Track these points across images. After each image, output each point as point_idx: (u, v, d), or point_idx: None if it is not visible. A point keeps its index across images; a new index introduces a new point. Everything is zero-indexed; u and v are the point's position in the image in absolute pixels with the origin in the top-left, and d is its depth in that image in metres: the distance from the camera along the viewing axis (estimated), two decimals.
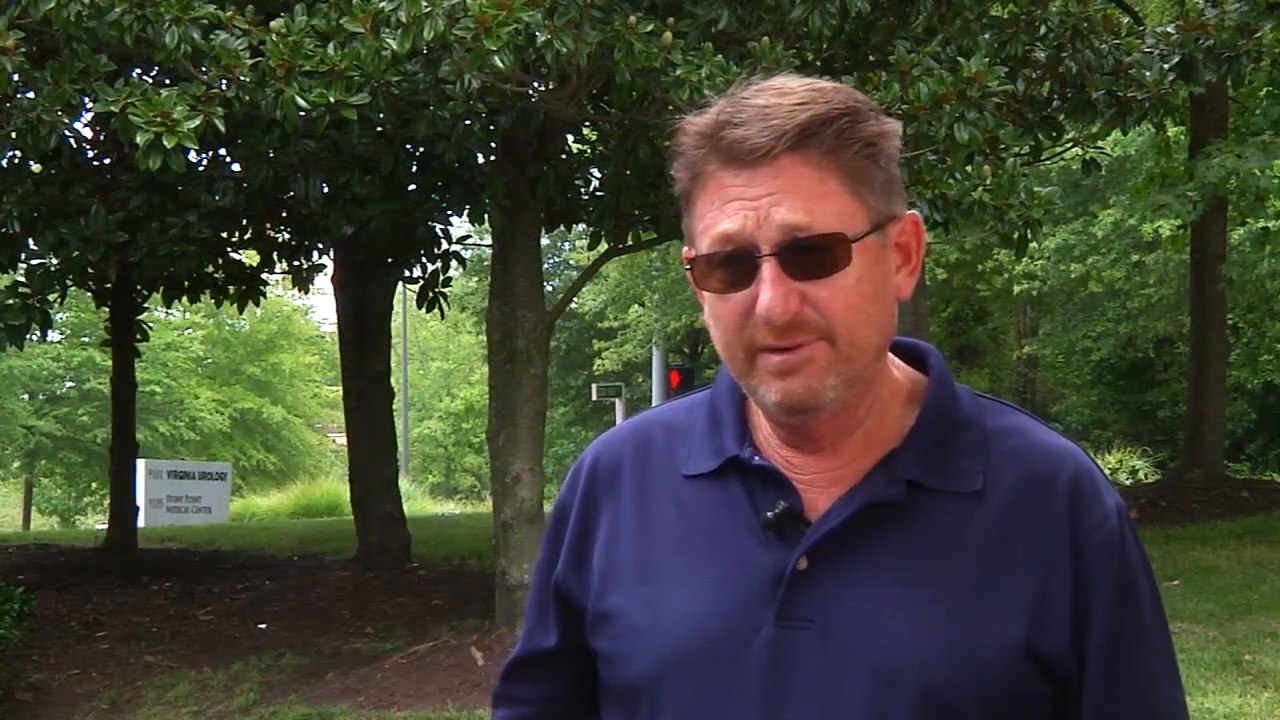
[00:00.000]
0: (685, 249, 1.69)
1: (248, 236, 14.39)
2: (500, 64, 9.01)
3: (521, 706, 1.81)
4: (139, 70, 10.73)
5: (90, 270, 13.40)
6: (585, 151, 12.74)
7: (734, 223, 1.58)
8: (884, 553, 1.64)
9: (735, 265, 1.59)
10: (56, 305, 13.44)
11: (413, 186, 12.93)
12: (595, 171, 12.72)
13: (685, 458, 1.74)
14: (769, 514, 1.66)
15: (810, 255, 1.58)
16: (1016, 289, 29.84)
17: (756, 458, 1.69)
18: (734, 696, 1.63)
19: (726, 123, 1.59)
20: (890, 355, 1.71)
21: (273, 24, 9.50)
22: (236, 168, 12.70)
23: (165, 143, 9.39)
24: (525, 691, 1.80)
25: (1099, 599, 1.63)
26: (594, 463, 1.80)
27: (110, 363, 17.34)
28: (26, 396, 39.11)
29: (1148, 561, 1.69)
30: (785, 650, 1.62)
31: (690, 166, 1.63)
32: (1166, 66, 11.83)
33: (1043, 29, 11.35)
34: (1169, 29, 12.39)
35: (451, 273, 15.05)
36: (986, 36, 10.87)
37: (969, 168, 10.42)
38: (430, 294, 14.80)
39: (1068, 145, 13.82)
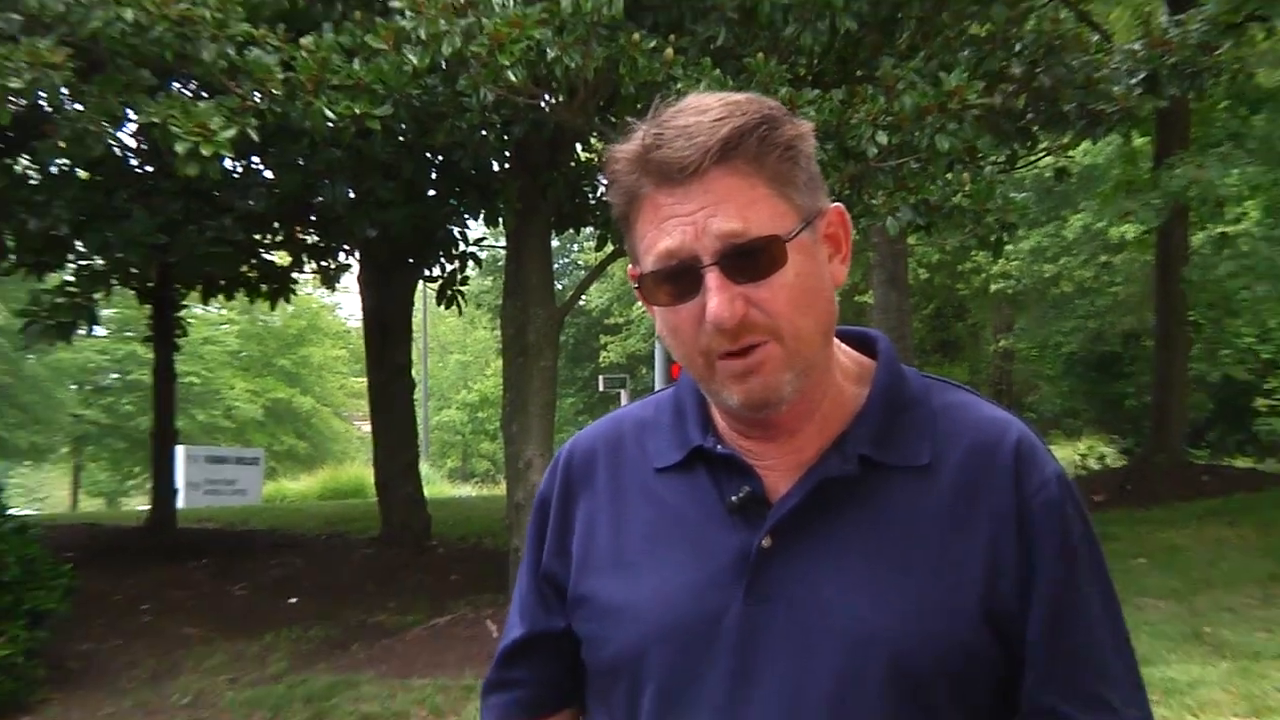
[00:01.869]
0: (630, 268, 1.68)
1: (279, 238, 14.42)
2: (513, 78, 9.02)
3: (517, 690, 1.80)
4: (178, 84, 10.74)
5: (133, 270, 13.42)
6: (592, 159, 12.74)
7: (674, 239, 1.58)
8: (843, 528, 1.64)
9: (681, 278, 1.59)
10: (102, 303, 13.46)
11: (432, 192, 12.95)
12: (601, 178, 12.72)
13: (655, 452, 1.74)
14: (734, 498, 1.66)
15: (749, 259, 1.58)
16: (993, 287, 29.86)
17: (720, 446, 1.69)
18: (708, 670, 1.63)
19: (653, 145, 1.59)
20: (840, 343, 1.72)
21: (303, 41, 9.51)
22: (268, 174, 12.71)
23: (203, 151, 9.41)
24: (521, 675, 1.79)
25: (1043, 560, 1.63)
26: (569, 457, 1.80)
27: (152, 356, 17.34)
28: (75, 387, 39.15)
29: (1090, 524, 1.69)
30: (755, 625, 1.62)
31: (625, 191, 1.63)
32: (1133, 81, 11.83)
33: (1018, 46, 11.36)
34: (1136, 46, 12.38)
35: (468, 272, 15.07)
36: (966, 53, 10.87)
37: (949, 175, 10.43)
38: (449, 292, 14.82)
39: (1041, 154, 13.86)
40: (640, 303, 1.70)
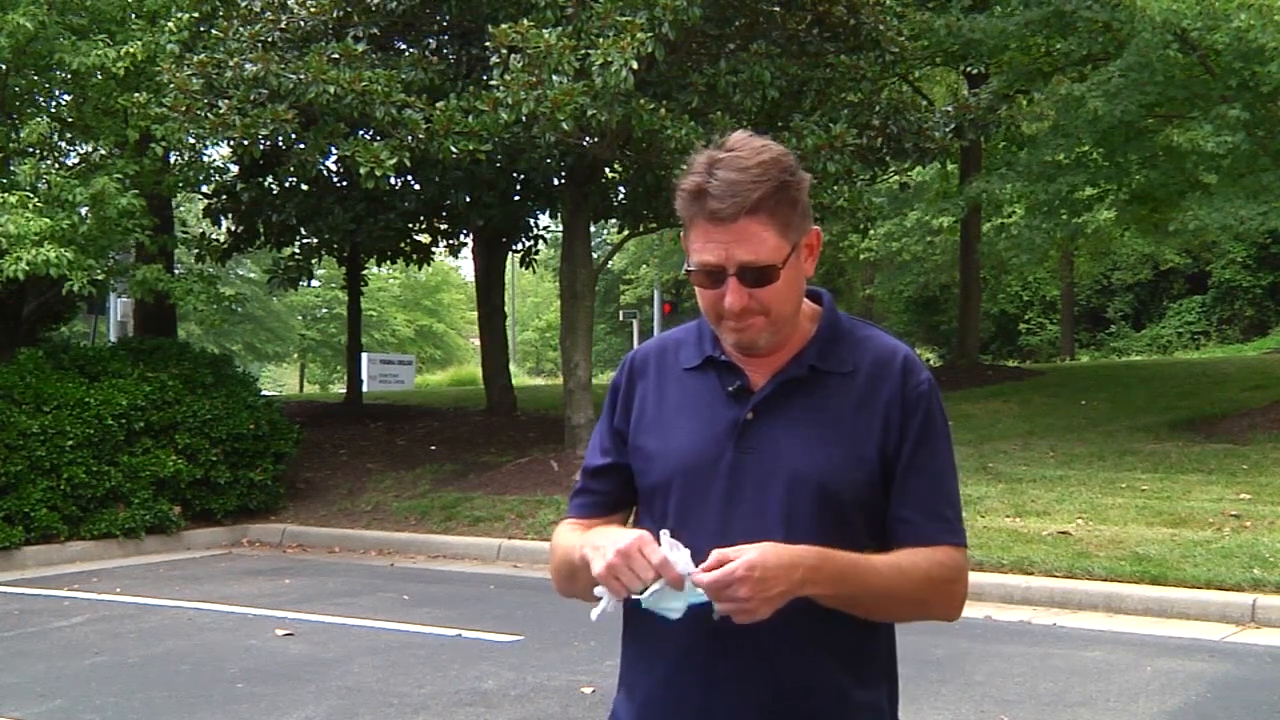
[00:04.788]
0: (686, 263, 1.68)
1: (423, 226, 14.35)
2: (565, 128, 8.97)
3: (594, 496, 1.75)
4: (361, 130, 10.66)
5: (335, 246, 13.39)
6: (616, 177, 12.66)
7: (712, 255, 1.58)
8: (797, 408, 1.65)
9: (713, 276, 1.59)
10: (316, 266, 13.45)
11: (517, 198, 12.88)
12: (622, 189, 12.66)
13: (684, 358, 1.73)
14: (730, 388, 1.66)
15: (755, 275, 1.58)
16: (861, 256, 29.72)
17: (723, 356, 1.69)
18: (709, 494, 1.63)
19: (705, 192, 1.57)
20: (804, 299, 1.71)
21: (437, 104, 9.45)
22: (416, 187, 12.65)
23: (376, 173, 9.38)
24: (598, 486, 1.75)
25: (913, 426, 1.65)
26: (632, 360, 1.79)
27: (346, 298, 17.34)
28: (301, 317, 39.24)
29: (945, 412, 1.71)
30: (739, 467, 1.63)
31: (684, 211, 1.62)
32: (947, 130, 11.76)
33: (877, 108, 11.27)
34: (949, 108, 12.32)
35: (539, 247, 15.04)
36: (845, 112, 10.77)
37: (835, 187, 10.37)
38: (527, 259, 14.79)
39: (891, 175, 13.73)
40: (689, 279, 1.69)
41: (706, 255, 1.59)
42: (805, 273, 1.67)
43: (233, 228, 13.54)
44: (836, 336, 1.70)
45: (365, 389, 18.08)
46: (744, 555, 1.46)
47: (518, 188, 12.68)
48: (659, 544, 1.49)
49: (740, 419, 1.65)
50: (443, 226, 14.42)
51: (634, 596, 1.49)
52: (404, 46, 11.20)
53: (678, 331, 1.80)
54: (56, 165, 11.02)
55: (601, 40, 8.83)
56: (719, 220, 1.57)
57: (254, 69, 9.39)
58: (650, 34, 8.86)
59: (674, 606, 1.49)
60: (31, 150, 10.67)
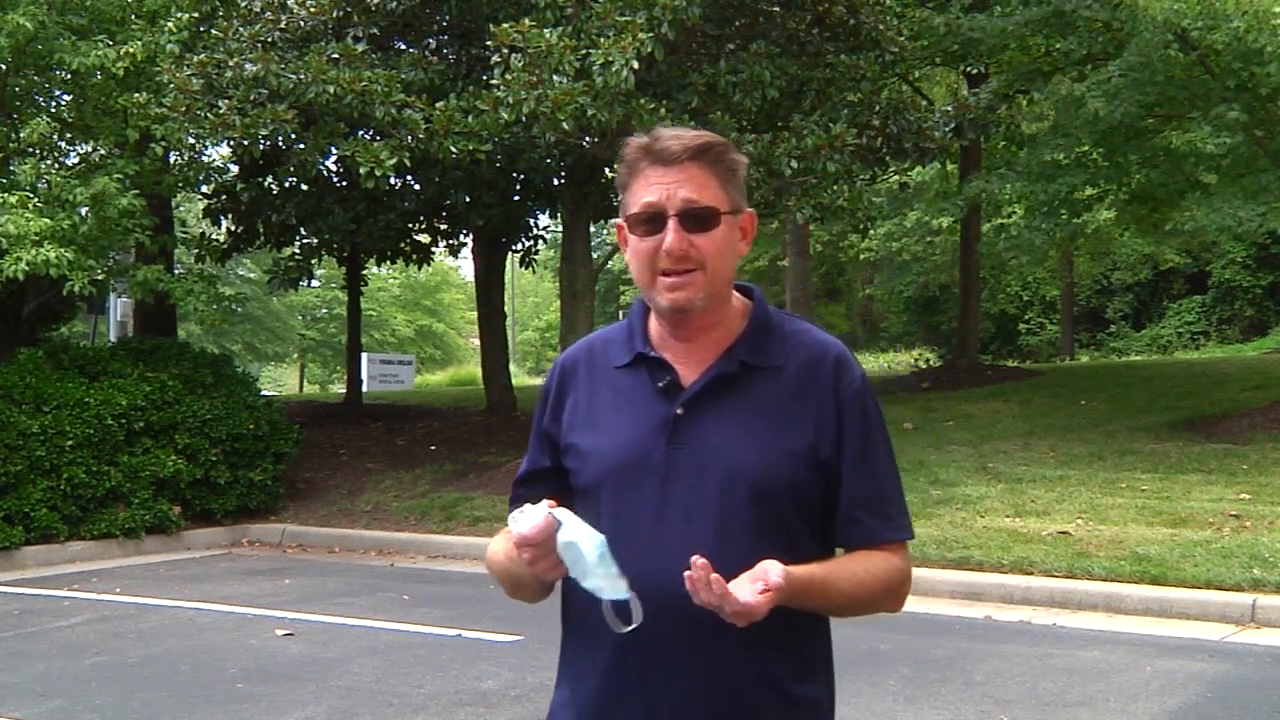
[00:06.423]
0: (617, 222, 1.69)
1: (423, 226, 14.34)
2: (566, 127, 8.96)
3: (528, 501, 1.76)
4: (361, 130, 10.66)
5: (334, 246, 13.39)
6: (616, 177, 12.66)
7: (655, 195, 1.60)
8: (727, 403, 1.64)
9: (654, 220, 1.60)
10: (316, 266, 13.45)
11: (517, 198, 12.88)
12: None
13: (614, 356, 1.72)
14: (660, 384, 1.66)
15: (696, 218, 1.59)
16: (861, 256, 29.76)
17: (652, 352, 1.68)
18: (642, 490, 1.62)
19: (655, 141, 1.62)
20: (735, 293, 1.71)
21: (437, 104, 9.44)
22: (416, 187, 12.64)
23: (376, 173, 9.37)
24: (530, 492, 1.71)
25: (851, 427, 1.64)
26: (562, 363, 1.79)
27: (347, 297, 17.34)
28: (301, 317, 39.24)
29: (879, 407, 1.70)
30: (671, 463, 1.62)
31: (630, 165, 1.64)
32: (947, 129, 11.76)
33: (877, 108, 11.26)
34: (949, 108, 12.31)
35: (539, 247, 15.02)
36: (845, 112, 10.77)
37: (835, 187, 10.37)
38: (527, 259, 14.78)
39: (891, 174, 13.73)
40: (618, 239, 1.70)
41: (648, 195, 1.61)
42: (739, 252, 1.68)
43: (233, 228, 13.54)
44: (767, 331, 1.69)
45: (365, 389, 18.07)
46: (773, 574, 1.45)
47: (518, 188, 12.68)
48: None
49: (671, 415, 1.64)
50: (443, 226, 14.43)
51: (573, 576, 1.48)
52: (404, 46, 11.19)
53: (607, 330, 1.80)
54: (56, 165, 11.02)
55: (602, 40, 8.83)
56: (665, 161, 1.61)
57: (254, 69, 9.39)
58: (650, 34, 8.86)
59: (598, 579, 1.46)
60: (31, 150, 10.67)
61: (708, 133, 1.65)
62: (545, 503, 1.50)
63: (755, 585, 1.44)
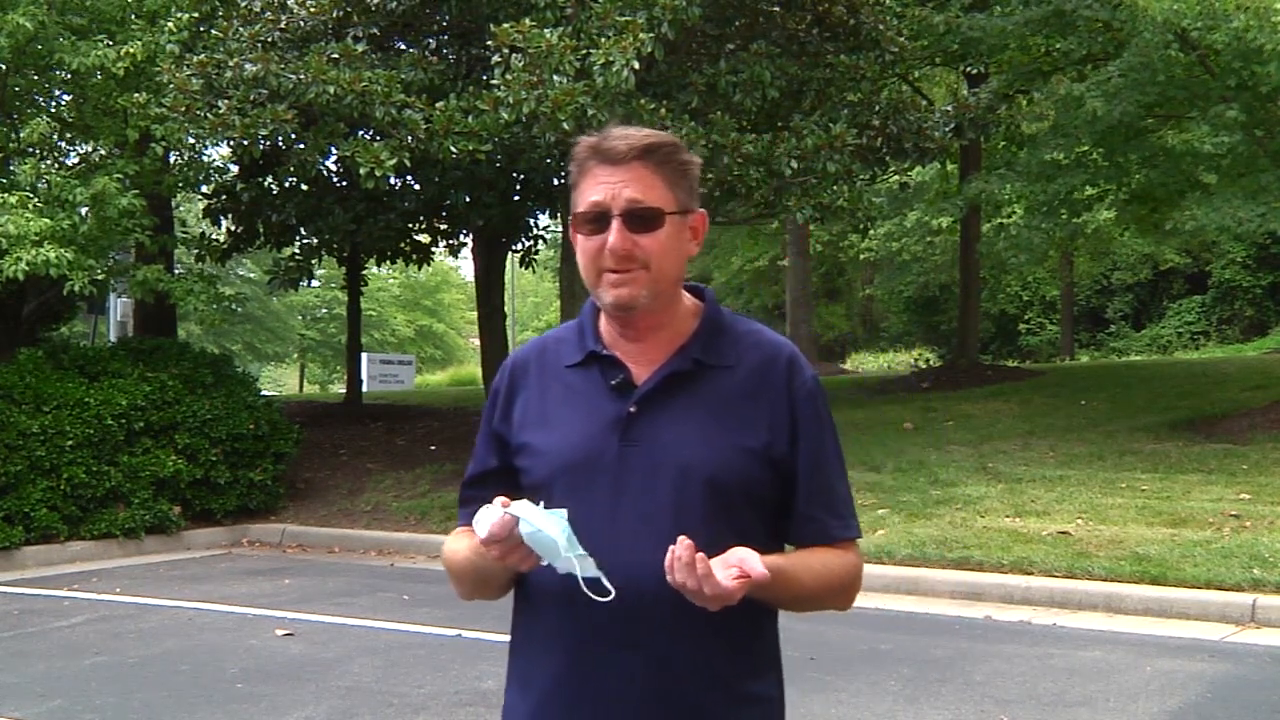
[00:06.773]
0: (572, 216, 1.68)
1: (423, 226, 14.33)
2: (566, 127, 8.95)
3: (478, 503, 1.63)
4: (361, 131, 10.66)
5: (335, 246, 13.38)
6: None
7: (600, 195, 1.59)
8: (680, 401, 1.64)
9: (598, 220, 1.60)
10: (316, 266, 13.43)
11: (516, 198, 12.87)
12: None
13: (566, 355, 1.72)
14: (613, 382, 1.66)
15: (640, 218, 1.59)
16: (861, 256, 29.75)
17: (604, 350, 1.68)
18: (595, 488, 1.62)
19: (603, 140, 1.61)
20: (686, 293, 1.71)
21: (437, 104, 9.44)
22: (416, 187, 12.63)
23: (376, 173, 9.36)
24: (480, 493, 1.68)
25: (804, 427, 1.65)
26: (512, 363, 1.78)
27: (347, 298, 17.34)
28: (301, 317, 39.23)
29: (829, 408, 1.71)
30: (624, 461, 1.61)
31: (580, 165, 1.64)
32: (947, 129, 11.76)
33: (877, 108, 11.26)
34: (948, 108, 12.31)
35: (539, 246, 15.01)
36: (845, 112, 10.77)
37: (835, 187, 10.37)
38: (527, 259, 14.77)
39: (891, 174, 13.73)
40: (572, 239, 1.70)
41: (594, 194, 1.61)
42: (688, 252, 1.67)
43: (233, 228, 13.53)
44: (719, 331, 1.70)
45: (365, 389, 18.06)
46: (753, 563, 1.45)
47: (518, 188, 12.66)
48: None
49: (624, 413, 1.64)
50: (443, 226, 14.41)
51: (544, 563, 1.48)
52: (404, 46, 11.19)
53: (558, 330, 1.80)
54: (56, 165, 11.02)
55: (602, 40, 8.83)
56: (612, 161, 1.60)
57: (254, 69, 9.39)
58: (650, 34, 8.86)
59: (570, 560, 1.47)
60: (31, 150, 10.67)
61: (658, 132, 1.65)
62: (498, 500, 1.49)
63: (729, 571, 1.45)
